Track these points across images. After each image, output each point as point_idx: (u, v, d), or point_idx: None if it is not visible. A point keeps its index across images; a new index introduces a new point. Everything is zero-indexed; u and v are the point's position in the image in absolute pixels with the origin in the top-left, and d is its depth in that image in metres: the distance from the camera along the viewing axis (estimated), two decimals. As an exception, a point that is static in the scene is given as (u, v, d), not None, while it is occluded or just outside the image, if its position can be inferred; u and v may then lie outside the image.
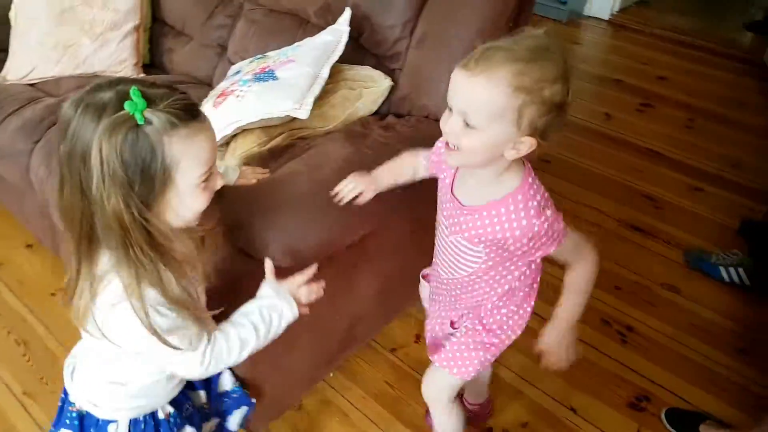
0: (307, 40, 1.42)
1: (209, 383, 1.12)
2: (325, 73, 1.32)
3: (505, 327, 1.10)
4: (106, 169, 0.72)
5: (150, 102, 0.74)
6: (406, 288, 1.63)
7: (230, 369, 1.14)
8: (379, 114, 1.44)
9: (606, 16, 3.94)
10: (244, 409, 1.17)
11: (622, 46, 3.66)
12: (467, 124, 0.84)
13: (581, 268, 0.98)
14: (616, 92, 3.08)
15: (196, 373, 0.91)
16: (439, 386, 1.19)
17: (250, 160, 1.24)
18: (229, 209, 1.08)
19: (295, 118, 1.29)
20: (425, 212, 1.45)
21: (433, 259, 1.14)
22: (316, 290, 1.04)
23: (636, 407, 1.52)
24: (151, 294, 0.80)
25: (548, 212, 0.90)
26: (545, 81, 0.81)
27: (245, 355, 0.94)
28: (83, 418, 0.98)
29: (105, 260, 0.80)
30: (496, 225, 0.91)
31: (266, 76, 1.32)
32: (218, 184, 0.85)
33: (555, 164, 2.43)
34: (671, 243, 2.05)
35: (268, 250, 1.06)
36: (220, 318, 0.94)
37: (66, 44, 1.73)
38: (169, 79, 1.72)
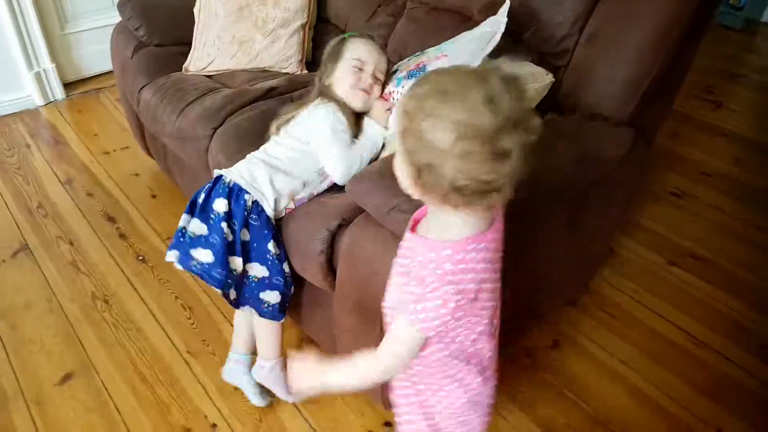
0: (465, 33, 1.44)
1: None
2: (477, 63, 1.33)
3: None
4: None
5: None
6: (550, 291, 1.62)
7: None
8: (538, 110, 1.42)
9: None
10: None
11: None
12: None
13: (368, 355, 0.87)
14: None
15: (339, 171, 1.32)
16: None
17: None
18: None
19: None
20: (580, 216, 1.42)
21: None
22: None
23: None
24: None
25: (438, 291, 0.79)
26: (424, 114, 0.71)
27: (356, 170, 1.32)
28: (230, 190, 1.30)
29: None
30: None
31: (419, 72, 1.36)
32: (372, 91, 1.41)
33: (716, 179, 2.25)
34: None
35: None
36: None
37: (241, 40, 1.90)
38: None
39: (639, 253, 1.99)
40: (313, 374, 0.92)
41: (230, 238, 1.28)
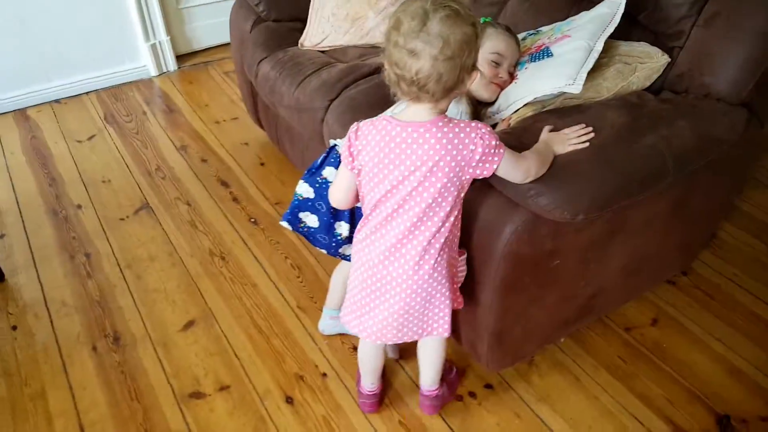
0: (583, 14, 1.46)
1: None
2: (599, 46, 1.35)
3: None
4: None
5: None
6: (651, 270, 1.64)
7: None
8: (651, 90, 1.44)
9: None
10: None
11: None
12: None
13: None
14: None
15: None
16: None
17: (524, 120, 1.34)
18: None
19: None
20: (687, 197, 1.45)
21: None
22: None
23: None
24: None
25: (352, 128, 1.12)
26: (394, 12, 0.99)
27: None
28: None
29: None
30: None
31: (542, 54, 1.40)
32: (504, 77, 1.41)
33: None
34: None
35: (537, 201, 1.14)
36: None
37: (354, 17, 2.00)
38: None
39: (740, 239, 1.97)
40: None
41: None
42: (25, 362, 1.61)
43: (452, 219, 1.11)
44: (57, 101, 2.82)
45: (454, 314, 1.42)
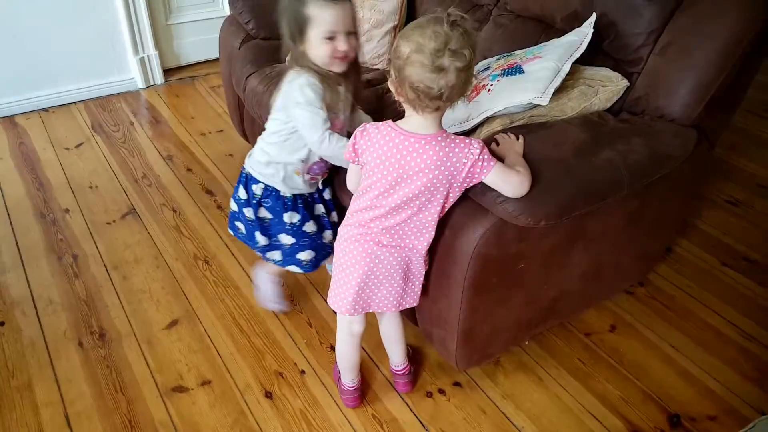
0: (553, 40, 1.60)
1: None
2: (567, 68, 1.49)
3: None
4: None
5: None
6: (609, 278, 1.76)
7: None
8: (611, 111, 1.58)
9: None
10: None
11: None
12: None
13: None
14: None
15: (314, 139, 1.40)
16: None
17: (494, 134, 1.45)
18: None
19: (535, 107, 1.48)
20: (643, 210, 1.58)
21: None
22: None
23: None
24: (311, 78, 1.37)
25: (360, 128, 1.25)
26: (403, 37, 1.10)
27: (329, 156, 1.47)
28: (246, 177, 1.55)
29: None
30: None
31: (514, 70, 1.53)
32: (342, 48, 1.35)
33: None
34: None
35: (504, 207, 1.24)
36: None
37: (339, 37, 2.12)
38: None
39: (694, 253, 2.11)
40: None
41: (252, 218, 1.55)
42: (12, 356, 1.66)
43: (436, 219, 1.27)
44: (45, 110, 2.88)
45: (426, 314, 1.52)
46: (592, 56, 1.61)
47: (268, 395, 1.59)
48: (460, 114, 1.53)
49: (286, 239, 1.57)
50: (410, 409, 1.56)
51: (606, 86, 1.56)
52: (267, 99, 2.01)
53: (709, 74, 1.50)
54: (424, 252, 1.31)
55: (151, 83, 3.12)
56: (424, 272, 1.36)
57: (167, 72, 3.18)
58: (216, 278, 1.96)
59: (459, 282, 1.36)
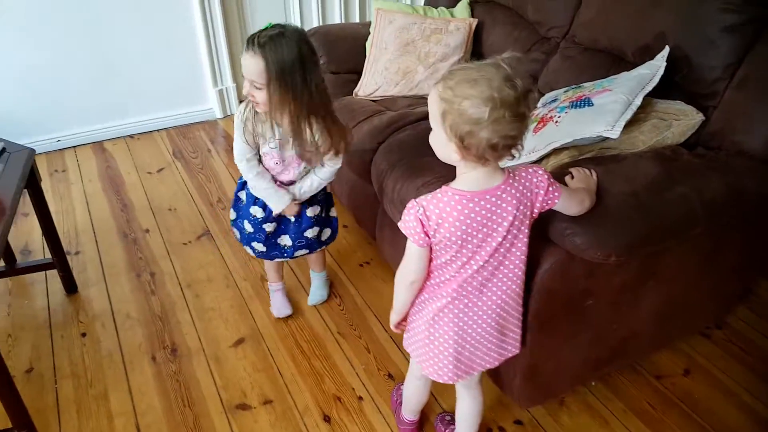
0: (624, 73, 1.59)
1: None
2: (638, 101, 1.47)
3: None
4: None
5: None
6: (683, 319, 1.69)
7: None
8: (685, 146, 1.54)
9: None
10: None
11: None
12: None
13: None
14: None
15: (235, 159, 1.63)
16: None
17: (562, 166, 1.44)
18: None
19: (605, 140, 1.46)
20: (721, 250, 1.51)
21: None
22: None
23: None
24: (242, 106, 1.56)
25: (417, 207, 1.10)
26: (461, 97, 0.97)
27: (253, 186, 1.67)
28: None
29: None
30: None
31: (582, 103, 1.53)
32: (244, 92, 1.47)
33: None
34: None
35: (573, 240, 1.23)
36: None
37: (405, 71, 2.18)
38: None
39: (777, 296, 1.99)
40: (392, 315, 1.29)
41: (235, 194, 1.80)
42: (91, 366, 1.76)
43: (526, 254, 1.19)
44: (131, 136, 3.09)
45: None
46: (664, 90, 1.58)
47: (326, 419, 1.60)
48: (525, 145, 1.52)
49: (247, 226, 1.75)
50: (469, 443, 1.54)
51: (680, 120, 1.52)
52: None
53: (791, 109, 1.45)
54: (520, 291, 1.23)
55: (228, 113, 3.29)
56: (521, 313, 1.27)
57: (242, 103, 3.34)
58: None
59: (523, 317, 1.34)
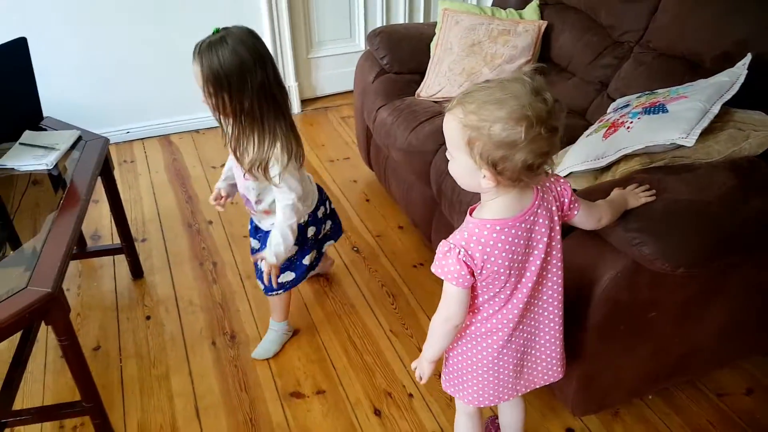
0: (701, 81, 1.54)
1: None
2: (716, 109, 1.41)
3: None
4: None
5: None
6: (749, 339, 1.62)
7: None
8: (764, 158, 1.47)
9: None
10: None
11: None
12: (449, 153, 1.01)
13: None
14: None
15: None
16: None
17: (632, 173, 1.40)
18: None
19: (678, 147, 1.42)
20: None
21: None
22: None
23: None
24: None
25: (457, 250, 1.01)
26: (488, 121, 0.90)
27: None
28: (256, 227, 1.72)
29: None
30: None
31: (656, 109, 1.49)
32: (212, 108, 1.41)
33: None
34: None
35: (641, 249, 1.19)
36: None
37: (470, 72, 2.18)
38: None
39: None
40: (420, 359, 1.23)
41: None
42: (154, 348, 1.84)
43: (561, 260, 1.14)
44: (197, 131, 3.21)
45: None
46: (744, 99, 1.52)
47: (377, 413, 1.62)
48: (594, 150, 1.50)
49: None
50: (520, 449, 1.52)
51: (758, 131, 1.46)
52: (395, 129, 2.12)
53: None
54: (561, 296, 1.18)
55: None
56: (562, 318, 1.22)
57: (304, 102, 3.42)
58: (335, 295, 2.05)
59: (583, 325, 1.32)
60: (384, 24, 3.37)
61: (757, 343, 1.71)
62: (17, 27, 2.35)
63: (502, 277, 1.06)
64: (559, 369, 1.27)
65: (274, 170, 1.46)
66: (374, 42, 2.37)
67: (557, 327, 1.20)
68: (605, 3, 2.06)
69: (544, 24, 2.25)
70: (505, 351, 1.17)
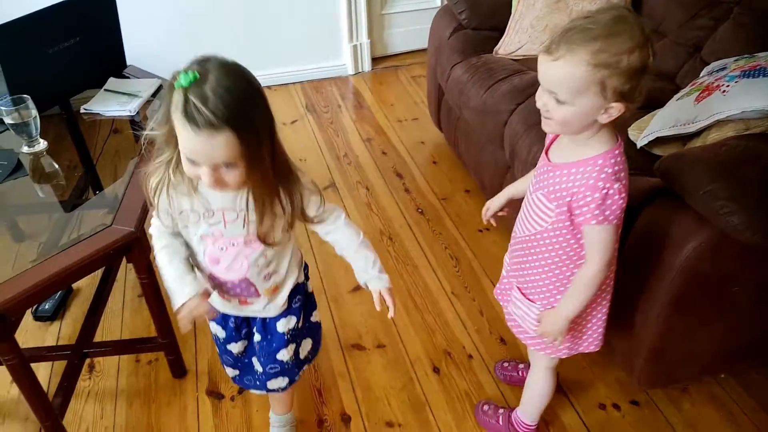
0: (809, 44, 1.41)
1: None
2: (825, 78, 1.30)
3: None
4: None
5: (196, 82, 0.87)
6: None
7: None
8: None
9: None
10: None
11: None
12: (558, 101, 0.95)
13: (585, 268, 1.07)
14: None
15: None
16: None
17: (725, 140, 1.30)
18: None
19: (777, 115, 1.31)
20: None
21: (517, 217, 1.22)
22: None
23: None
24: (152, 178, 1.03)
25: (616, 185, 0.97)
26: (623, 53, 0.89)
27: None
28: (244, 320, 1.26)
29: None
30: (571, 181, 1.02)
31: (757, 72, 1.37)
32: (204, 181, 0.93)
33: None
34: None
35: (730, 219, 1.12)
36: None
37: (553, 29, 2.08)
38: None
39: None
40: (556, 317, 1.15)
41: None
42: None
43: None
44: (269, 87, 3.25)
45: (611, 323, 1.42)
46: None
47: (436, 370, 1.64)
48: (684, 114, 1.41)
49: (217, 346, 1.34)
50: (579, 415, 1.50)
51: None
52: (469, 87, 2.06)
53: None
54: None
55: (359, 70, 3.35)
56: None
57: (375, 60, 3.39)
58: (397, 254, 2.06)
59: (659, 296, 1.27)
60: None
61: None
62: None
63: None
64: None
65: (315, 202, 1.15)
66: (454, -4, 2.30)
67: None
68: (705, -43, 1.91)
69: (635, -20, 2.11)
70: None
